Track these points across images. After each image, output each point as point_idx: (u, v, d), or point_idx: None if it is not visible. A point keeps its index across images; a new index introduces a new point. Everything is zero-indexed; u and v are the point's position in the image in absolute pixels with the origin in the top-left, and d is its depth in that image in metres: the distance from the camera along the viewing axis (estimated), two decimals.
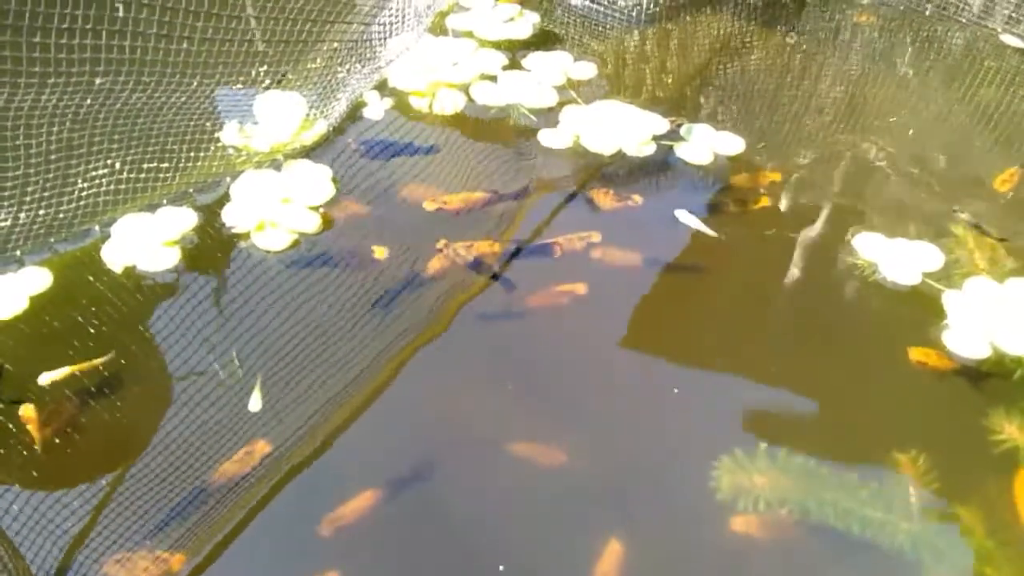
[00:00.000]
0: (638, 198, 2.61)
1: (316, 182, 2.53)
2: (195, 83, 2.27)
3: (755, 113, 3.07)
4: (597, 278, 2.37)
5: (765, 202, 2.66)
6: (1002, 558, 1.86)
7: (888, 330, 2.27)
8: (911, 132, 2.99)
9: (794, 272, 2.44)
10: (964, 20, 3.48)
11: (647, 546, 1.83)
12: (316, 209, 2.48)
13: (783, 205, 2.66)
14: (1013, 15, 3.40)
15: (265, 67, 2.45)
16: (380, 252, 2.36)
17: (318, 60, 2.62)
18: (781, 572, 1.82)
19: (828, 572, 1.83)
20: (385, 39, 2.81)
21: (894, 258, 2.40)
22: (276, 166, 2.57)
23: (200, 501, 1.83)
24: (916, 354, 2.19)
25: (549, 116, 2.91)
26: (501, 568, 1.77)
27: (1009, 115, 3.09)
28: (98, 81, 2.08)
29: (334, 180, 2.56)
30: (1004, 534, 1.89)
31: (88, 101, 2.10)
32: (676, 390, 2.13)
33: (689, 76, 3.25)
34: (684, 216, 2.55)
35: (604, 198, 2.61)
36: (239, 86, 2.46)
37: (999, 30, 3.42)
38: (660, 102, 3.05)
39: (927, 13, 3.56)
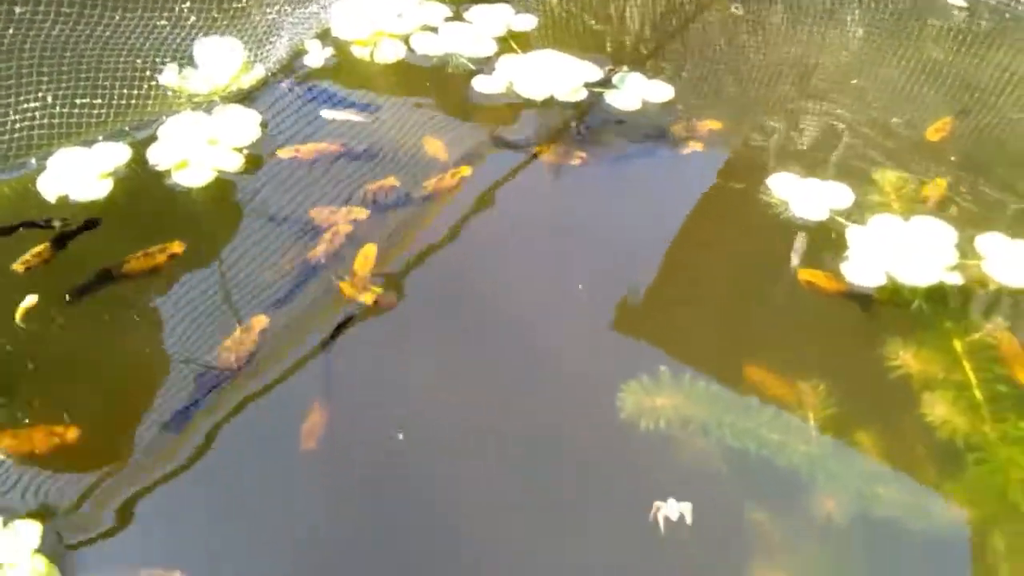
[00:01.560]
0: (555, 145, 2.67)
1: (244, 125, 2.60)
2: (117, 17, 2.32)
3: (693, 65, 3.12)
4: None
5: (697, 147, 2.71)
6: (893, 479, 1.90)
7: (791, 262, 2.32)
8: (851, 85, 3.03)
9: (708, 209, 2.49)
10: None
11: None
12: (240, 151, 2.54)
13: (713, 150, 2.71)
14: None
15: (189, 3, 2.51)
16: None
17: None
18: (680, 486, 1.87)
19: (725, 485, 1.88)
20: None
21: (805, 196, 2.44)
22: (210, 109, 2.64)
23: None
24: (805, 274, 2.25)
25: (487, 65, 2.97)
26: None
27: (949, 71, 3.13)
28: (18, 10, 2.14)
29: (263, 125, 2.63)
30: (898, 457, 1.93)
31: (11, 31, 2.16)
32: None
33: (629, 31, 3.29)
34: (329, 112, 2.66)
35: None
36: (163, 23, 2.52)
37: None
38: (597, 54, 3.08)
39: None
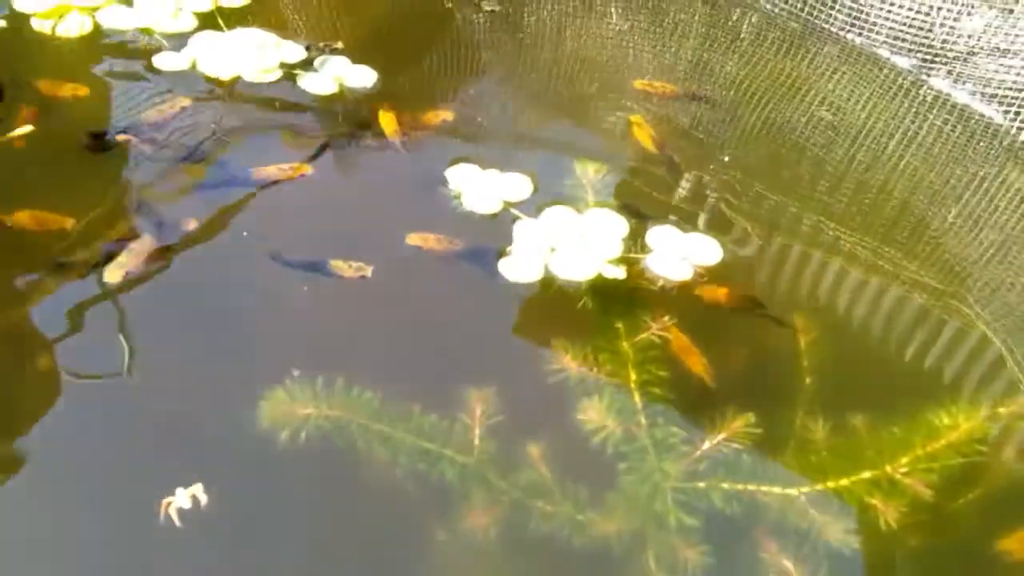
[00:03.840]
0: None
1: None
2: None
3: (407, 52, 2.94)
4: None
5: (396, 138, 2.50)
6: (558, 492, 1.76)
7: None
8: (574, 79, 2.91)
9: (385, 201, 2.33)
10: None
11: None
12: None
13: (399, 140, 2.50)
14: None
15: None
16: None
17: None
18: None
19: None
20: None
21: (480, 188, 2.28)
22: None
23: None
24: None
25: (182, 41, 2.69)
26: None
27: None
28: None
29: None
30: (557, 467, 1.79)
31: None
32: None
33: (349, 12, 3.08)
34: None
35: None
36: None
37: None
38: (308, 34, 2.86)
39: None
